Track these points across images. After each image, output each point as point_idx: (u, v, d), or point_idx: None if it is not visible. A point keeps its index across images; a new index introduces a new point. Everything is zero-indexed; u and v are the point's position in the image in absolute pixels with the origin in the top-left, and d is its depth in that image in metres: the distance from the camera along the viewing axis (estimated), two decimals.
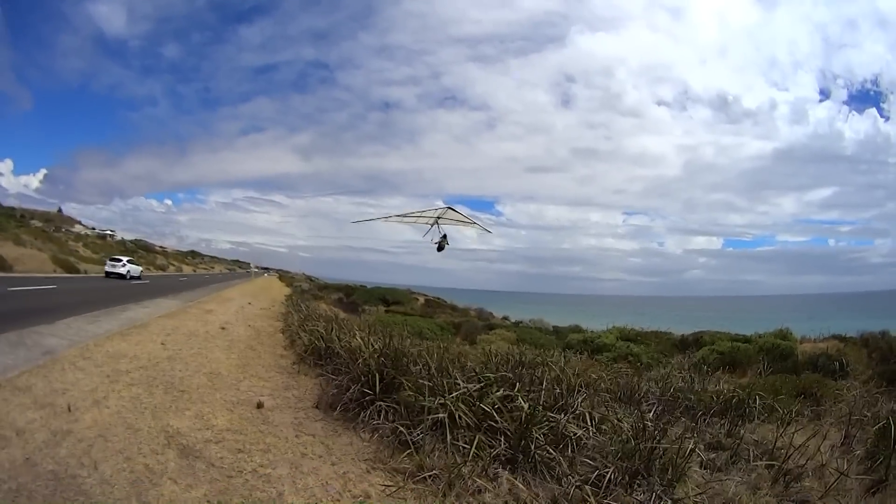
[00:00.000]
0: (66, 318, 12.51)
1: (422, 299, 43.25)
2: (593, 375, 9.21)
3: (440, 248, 17.06)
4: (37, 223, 75.72)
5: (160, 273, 64.35)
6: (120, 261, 43.09)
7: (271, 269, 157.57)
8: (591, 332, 23.96)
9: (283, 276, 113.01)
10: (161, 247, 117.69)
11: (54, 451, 4.82)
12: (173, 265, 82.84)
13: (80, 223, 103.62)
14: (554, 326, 30.25)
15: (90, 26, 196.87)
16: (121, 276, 39.96)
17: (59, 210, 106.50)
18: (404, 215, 17.58)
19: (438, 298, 44.52)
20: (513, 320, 34.19)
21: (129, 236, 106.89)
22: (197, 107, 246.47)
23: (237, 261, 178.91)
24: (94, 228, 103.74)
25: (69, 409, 5.92)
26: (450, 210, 17.38)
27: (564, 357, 11.05)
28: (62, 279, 31.50)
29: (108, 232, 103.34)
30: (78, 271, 40.02)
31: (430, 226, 17.76)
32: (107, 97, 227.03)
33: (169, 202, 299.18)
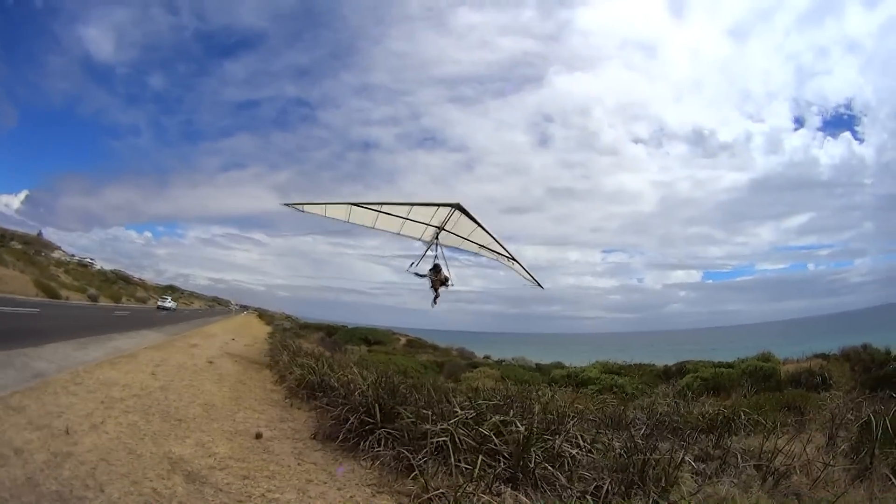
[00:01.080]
0: (53, 342, 12.16)
1: (403, 339, 42.71)
2: (580, 406, 9.29)
3: (444, 284, 12.81)
4: (17, 245, 74.05)
5: (141, 306, 62.86)
6: (167, 298, 66.56)
7: (250, 308, 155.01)
8: (575, 367, 23.72)
9: (263, 314, 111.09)
10: (140, 279, 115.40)
11: (56, 472, 4.68)
12: (153, 298, 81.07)
13: (59, 249, 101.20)
14: (536, 363, 30.02)
15: (79, 48, 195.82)
16: (167, 309, 56.44)
17: (40, 234, 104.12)
18: (379, 204, 12.48)
19: (419, 339, 44.08)
20: (495, 359, 33.83)
21: (107, 266, 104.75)
22: (179, 139, 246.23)
23: (216, 298, 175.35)
24: (73, 256, 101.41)
25: (67, 432, 5.77)
26: (458, 211, 12.16)
27: (551, 390, 11.05)
28: (45, 304, 30.80)
29: (88, 260, 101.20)
30: (60, 297, 39.12)
31: (428, 244, 13.24)
32: (91, 122, 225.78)
33: (148, 234, 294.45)
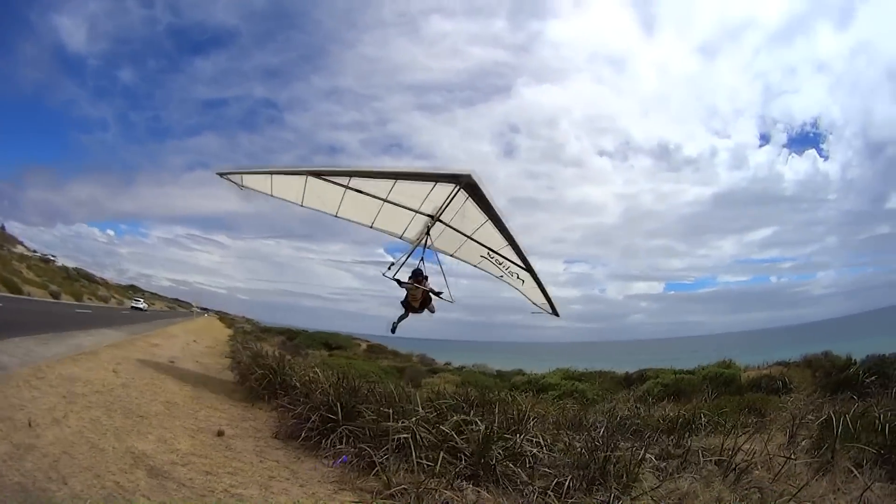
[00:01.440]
0: (14, 337, 11.66)
1: (364, 345, 42.25)
2: (540, 410, 9.36)
3: (425, 305, 9.46)
4: None
5: (102, 304, 60.53)
6: (140, 300, 71.92)
7: (210, 310, 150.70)
8: (535, 373, 23.38)
9: (224, 317, 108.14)
10: (102, 278, 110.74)
11: (19, 463, 4.58)
12: (115, 298, 78.11)
13: (21, 244, 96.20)
14: (497, 370, 29.90)
15: (52, 37, 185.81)
16: (139, 310, 60.09)
17: (3, 228, 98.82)
18: (349, 175, 8.67)
19: (380, 344, 43.70)
20: (455, 366, 33.58)
21: (70, 264, 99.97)
22: (146, 136, 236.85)
23: (177, 300, 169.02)
24: (35, 251, 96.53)
25: (29, 425, 5.61)
26: (464, 192, 8.41)
27: (511, 395, 10.99)
28: (6, 299, 29.51)
29: (50, 256, 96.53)
30: (22, 293, 37.40)
31: (415, 242, 9.61)
32: (59, 114, 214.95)
33: (111, 233, 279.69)
